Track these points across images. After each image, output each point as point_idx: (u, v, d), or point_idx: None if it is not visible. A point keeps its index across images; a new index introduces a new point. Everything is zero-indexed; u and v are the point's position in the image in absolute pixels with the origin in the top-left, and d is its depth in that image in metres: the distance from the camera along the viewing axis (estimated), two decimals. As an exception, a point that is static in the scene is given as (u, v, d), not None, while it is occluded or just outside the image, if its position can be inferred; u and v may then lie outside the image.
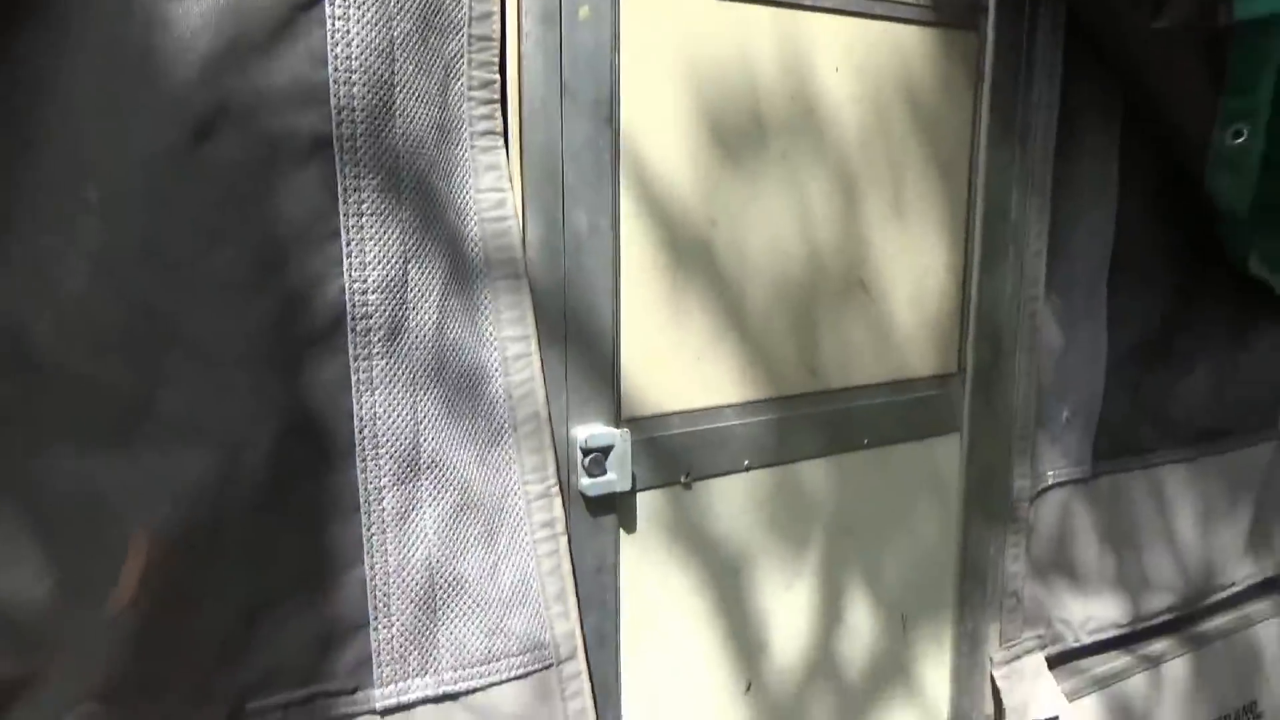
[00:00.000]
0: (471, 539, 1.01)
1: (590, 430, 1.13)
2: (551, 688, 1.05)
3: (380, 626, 0.94)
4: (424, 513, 0.97)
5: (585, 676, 1.08)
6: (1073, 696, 1.68)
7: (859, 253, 1.37)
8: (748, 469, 1.29)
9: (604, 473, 1.14)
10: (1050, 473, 1.67)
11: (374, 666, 0.94)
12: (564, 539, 1.07)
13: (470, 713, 1.00)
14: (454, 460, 0.99)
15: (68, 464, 0.85)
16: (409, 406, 0.94)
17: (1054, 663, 1.70)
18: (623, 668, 1.21)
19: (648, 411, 1.20)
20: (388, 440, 0.94)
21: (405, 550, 0.96)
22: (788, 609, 1.36)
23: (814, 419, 1.35)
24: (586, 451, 1.13)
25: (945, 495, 1.52)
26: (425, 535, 0.97)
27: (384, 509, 0.94)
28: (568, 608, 1.06)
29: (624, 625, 1.21)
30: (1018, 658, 1.64)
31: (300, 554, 0.92)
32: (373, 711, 0.96)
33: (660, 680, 1.26)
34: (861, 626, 1.45)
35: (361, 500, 0.93)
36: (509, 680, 1.02)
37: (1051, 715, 1.66)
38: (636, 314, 1.17)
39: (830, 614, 1.41)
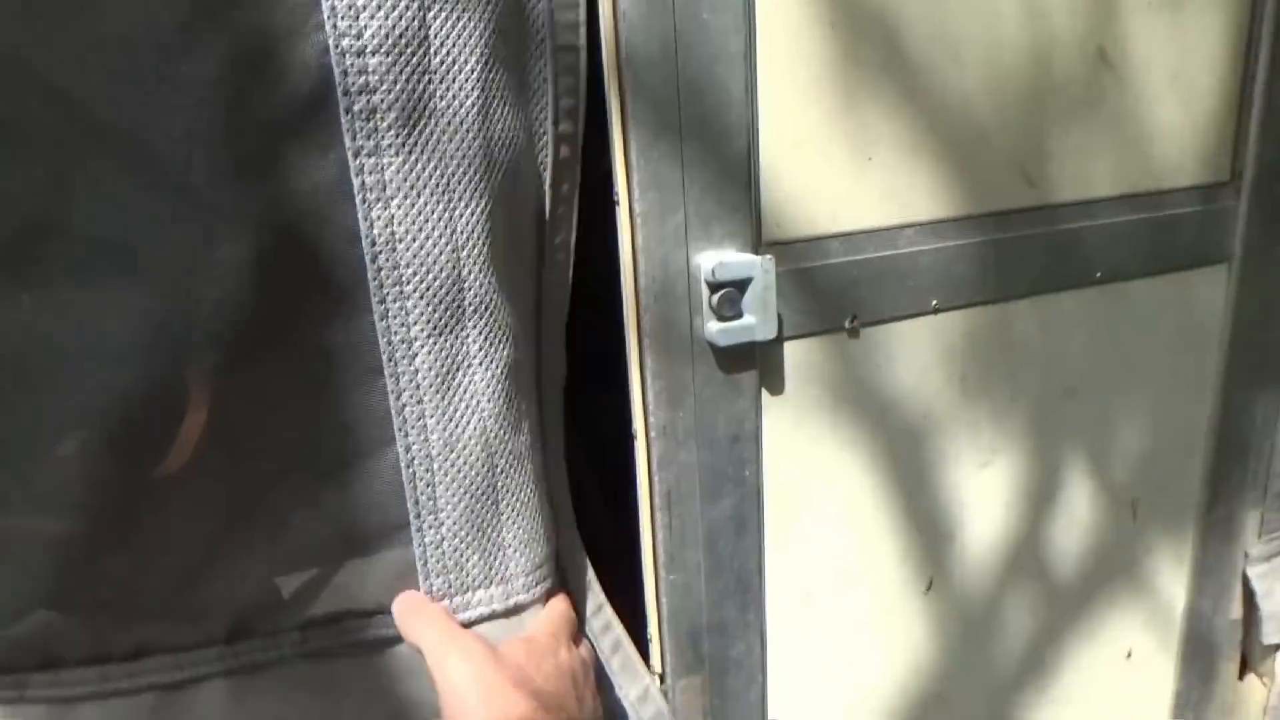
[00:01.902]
0: (529, 404, 0.77)
1: (719, 258, 0.84)
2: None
3: (426, 527, 0.70)
4: (474, 374, 0.71)
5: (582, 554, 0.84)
6: (1351, 601, 1.32)
7: (1100, 8, 0.97)
8: (935, 311, 0.98)
9: (739, 315, 0.86)
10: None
11: (421, 579, 0.72)
12: None
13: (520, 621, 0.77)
14: (505, 301, 0.72)
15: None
16: (444, 224, 0.66)
17: (1325, 558, 1.33)
18: (766, 559, 0.96)
19: (798, 233, 0.90)
20: (416, 273, 0.66)
21: (453, 424, 0.70)
22: (983, 491, 1.06)
23: (1029, 244, 1.01)
24: (715, 286, 0.85)
25: (1202, 347, 1.15)
26: (478, 403, 0.71)
27: (416, 369, 0.68)
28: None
29: (768, 508, 0.95)
30: (1281, 553, 1.28)
31: (303, 435, 0.69)
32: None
33: (813, 575, 1.00)
34: (1078, 513, 1.14)
35: (385, 359, 0.67)
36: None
37: (1322, 624, 1.30)
38: (780, 91, 0.85)
39: (1038, 497, 1.10)
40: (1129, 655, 1.25)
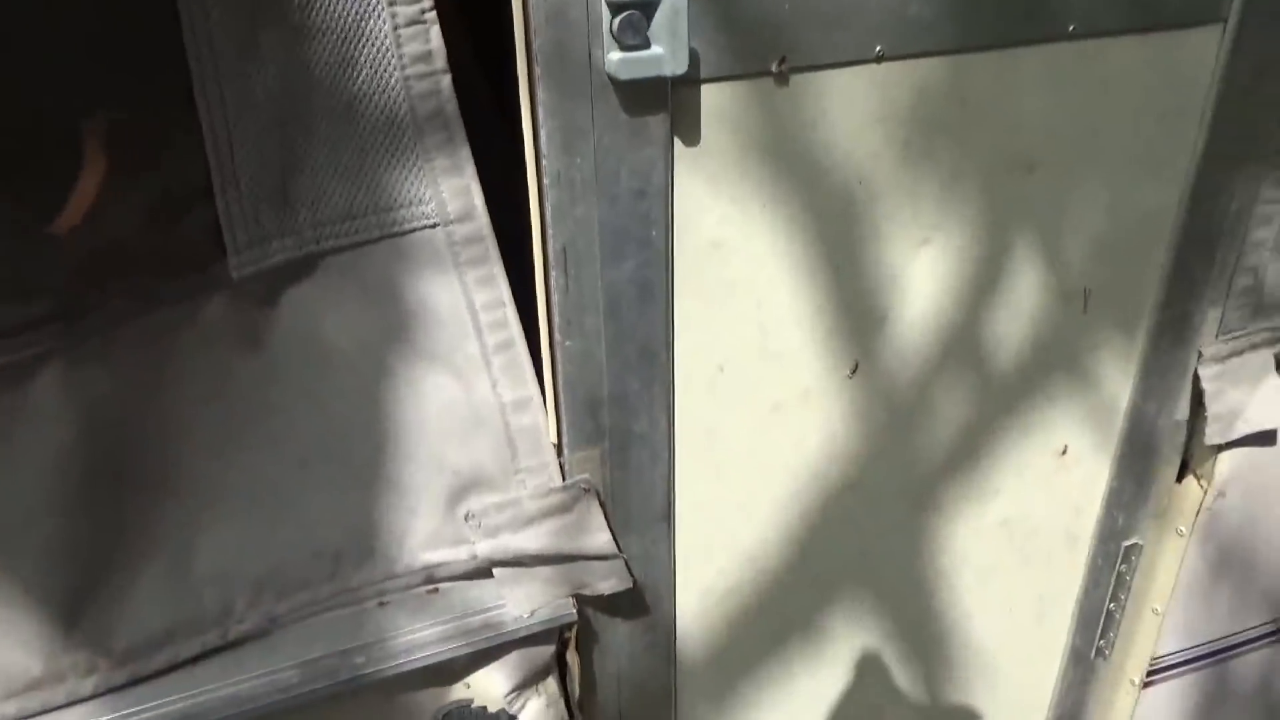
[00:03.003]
0: (319, 68, 0.75)
1: (622, -28, 0.72)
2: (439, 251, 0.83)
3: (227, 182, 0.75)
4: (260, 35, 0.72)
5: (491, 245, 0.83)
6: (1302, 408, 1.27)
7: None
8: (880, 59, 0.86)
9: (645, 44, 0.75)
10: (1346, 101, 1.14)
11: (226, 232, 0.76)
12: (447, 79, 0.78)
13: (336, 277, 0.82)
14: None
15: None
16: None
17: (1282, 364, 1.28)
18: (676, 330, 0.89)
19: (721, -50, 0.77)
20: None
21: (245, 83, 0.72)
22: (920, 271, 0.99)
23: (994, -15, 0.88)
24: (616, 7, 0.73)
25: (1180, 122, 1.04)
26: (263, 64, 0.73)
27: (211, 28, 0.69)
28: (458, 161, 0.81)
29: (679, 273, 0.87)
30: (1238, 354, 1.22)
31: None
32: (225, 288, 0.78)
33: (727, 349, 0.93)
34: (1023, 299, 1.06)
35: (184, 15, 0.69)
36: (380, 239, 0.81)
37: (1269, 428, 1.27)
38: None
39: (981, 281, 1.03)
40: (1064, 451, 1.21)
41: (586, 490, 0.90)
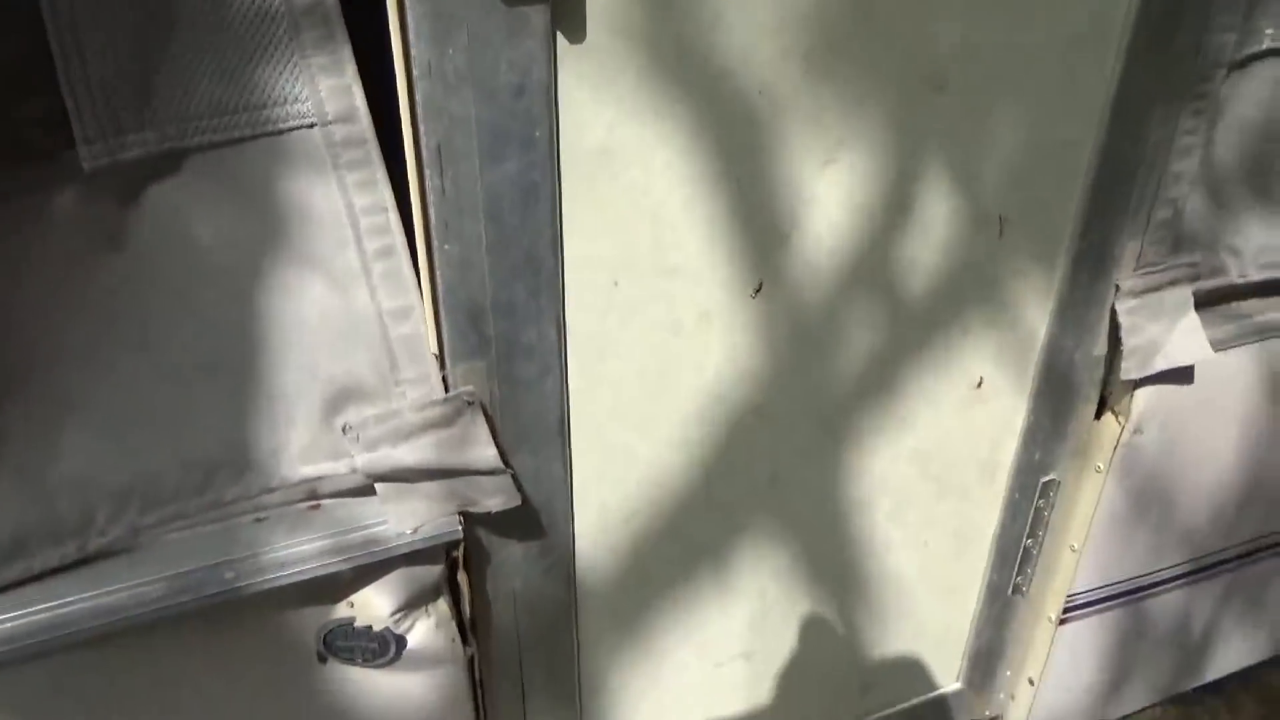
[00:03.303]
0: None
1: None
2: (317, 152, 0.79)
3: (72, 67, 0.70)
4: None
5: (373, 147, 0.80)
6: (1220, 346, 1.27)
7: None
8: (777, -42, 0.83)
9: (518, -74, 0.71)
10: (1270, 31, 1.12)
11: (75, 122, 0.72)
12: None
13: (204, 176, 0.78)
14: None
15: None
16: None
17: (1203, 301, 1.27)
18: (565, 237, 0.86)
19: None
20: None
21: None
22: (826, 190, 0.96)
23: (898, -117, 0.85)
24: (485, -117, 0.69)
25: (1099, 45, 1.01)
26: None
27: None
28: (338, 60, 0.77)
29: (566, 177, 0.84)
30: (1156, 289, 1.21)
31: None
32: (78, 181, 0.74)
33: (621, 260, 0.91)
34: (935, 224, 1.04)
35: None
36: (254, 137, 0.77)
37: (1185, 364, 1.26)
38: None
39: (889, 202, 1.00)
40: (979, 384, 1.20)
41: (470, 403, 0.88)
